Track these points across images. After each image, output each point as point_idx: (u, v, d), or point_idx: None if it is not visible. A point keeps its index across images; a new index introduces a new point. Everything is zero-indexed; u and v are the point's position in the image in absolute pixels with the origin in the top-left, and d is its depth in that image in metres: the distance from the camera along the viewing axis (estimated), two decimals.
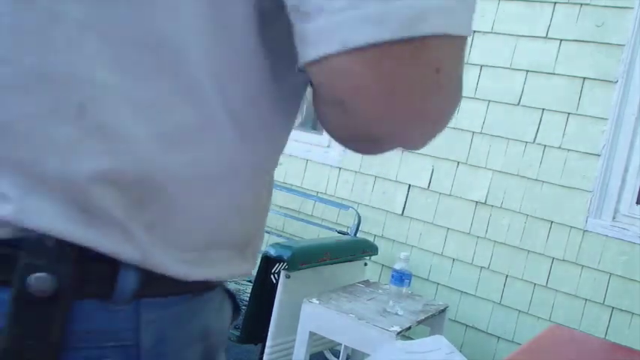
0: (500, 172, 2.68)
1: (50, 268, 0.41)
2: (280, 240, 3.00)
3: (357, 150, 0.53)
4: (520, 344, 2.52)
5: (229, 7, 0.44)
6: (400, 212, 2.94)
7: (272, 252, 2.16)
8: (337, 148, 3.16)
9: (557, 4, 2.57)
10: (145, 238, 0.44)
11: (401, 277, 2.38)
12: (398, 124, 0.45)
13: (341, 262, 2.47)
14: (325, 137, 3.24)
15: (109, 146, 0.42)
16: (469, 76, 2.76)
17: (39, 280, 0.41)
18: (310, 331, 2.10)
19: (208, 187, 0.46)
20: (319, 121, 0.51)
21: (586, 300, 2.46)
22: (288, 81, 0.50)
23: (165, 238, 0.45)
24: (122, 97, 0.42)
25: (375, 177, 3.03)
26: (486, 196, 2.71)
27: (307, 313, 2.11)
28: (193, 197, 0.45)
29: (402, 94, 0.42)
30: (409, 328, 2.07)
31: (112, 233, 0.43)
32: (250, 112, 0.47)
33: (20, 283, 0.41)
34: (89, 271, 0.43)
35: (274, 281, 2.22)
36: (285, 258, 2.13)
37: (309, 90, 0.51)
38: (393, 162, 2.96)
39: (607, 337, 2.38)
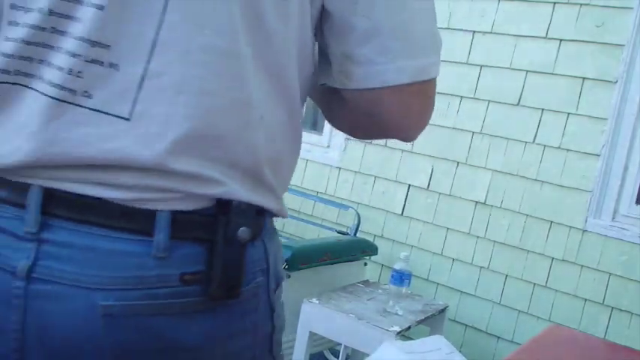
0: (500, 172, 2.68)
1: (248, 223, 0.64)
2: (280, 240, 3.00)
3: (363, 138, 0.95)
4: (520, 344, 2.52)
5: (306, 47, 0.69)
6: (400, 212, 2.94)
7: None
8: (337, 149, 3.16)
9: (557, 4, 2.57)
10: (279, 196, 0.71)
11: (401, 277, 2.38)
12: (407, 129, 0.76)
13: (341, 262, 2.47)
14: (325, 137, 3.24)
15: (270, 141, 0.66)
16: (469, 76, 2.76)
17: (244, 232, 0.64)
18: (310, 331, 2.10)
19: (290, 163, 0.74)
20: (336, 123, 0.85)
21: (585, 300, 2.46)
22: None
23: (281, 194, 0.72)
24: (267, 110, 0.66)
25: (375, 177, 3.03)
26: (486, 196, 2.71)
27: (307, 313, 2.11)
28: (285, 169, 0.72)
29: (412, 113, 0.73)
30: (409, 328, 2.08)
31: (270, 195, 0.68)
32: (300, 116, 0.73)
33: (232, 234, 0.63)
34: (258, 222, 0.67)
35: None
36: (286, 258, 2.13)
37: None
38: (393, 162, 2.96)
39: (607, 337, 2.38)
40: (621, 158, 2.44)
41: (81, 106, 0.59)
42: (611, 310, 2.41)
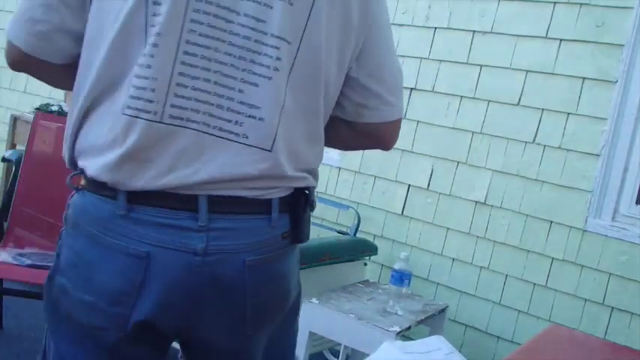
0: (500, 172, 2.68)
1: (312, 200, 1.09)
2: None
3: (347, 150, 1.54)
4: (520, 344, 2.52)
5: (332, 91, 1.07)
6: (400, 212, 2.94)
7: None
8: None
9: (557, 4, 2.57)
10: (315, 177, 1.10)
11: (401, 277, 2.38)
12: (391, 145, 1.21)
13: (341, 262, 2.47)
14: None
15: (318, 154, 1.10)
16: (469, 76, 2.76)
17: (312, 204, 1.10)
18: (310, 331, 2.10)
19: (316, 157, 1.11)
20: (339, 143, 1.24)
21: (586, 300, 2.46)
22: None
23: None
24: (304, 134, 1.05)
25: (375, 177, 3.03)
26: (486, 196, 2.71)
27: (307, 313, 2.10)
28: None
29: (397, 134, 1.18)
30: (409, 328, 2.08)
31: (308, 178, 1.07)
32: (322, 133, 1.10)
33: (305, 207, 1.08)
34: (313, 198, 1.11)
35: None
36: None
37: None
38: (393, 162, 2.96)
39: (607, 337, 2.38)
40: (621, 158, 2.44)
41: (242, 143, 0.96)
42: (611, 310, 2.41)
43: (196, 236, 0.95)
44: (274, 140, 0.98)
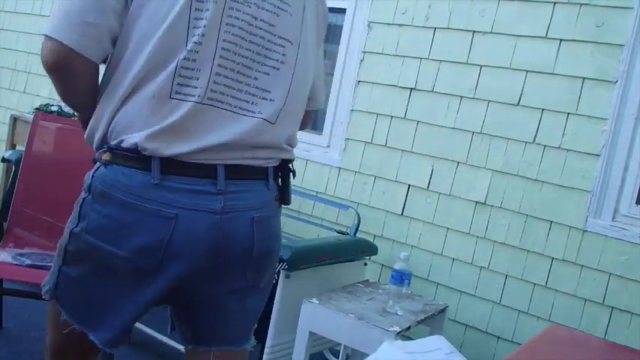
0: (500, 172, 2.68)
1: (294, 170, 1.40)
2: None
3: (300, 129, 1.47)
4: (520, 344, 2.52)
5: (304, 89, 1.38)
6: (400, 212, 2.94)
7: None
8: (337, 149, 3.16)
9: (556, 4, 2.57)
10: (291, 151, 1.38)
11: (401, 277, 2.38)
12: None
13: (341, 262, 2.47)
14: (325, 137, 3.24)
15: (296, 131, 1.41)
16: (469, 76, 2.77)
17: (294, 172, 1.40)
18: (310, 331, 2.10)
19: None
20: (305, 125, 1.50)
21: (586, 300, 2.46)
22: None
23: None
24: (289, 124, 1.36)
25: (375, 177, 3.03)
26: (486, 196, 2.71)
27: (307, 313, 2.11)
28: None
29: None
30: (409, 328, 2.07)
31: (292, 151, 1.37)
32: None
33: (288, 174, 1.38)
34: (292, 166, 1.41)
35: (274, 281, 2.22)
36: (285, 258, 2.13)
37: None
38: (393, 162, 2.96)
39: (607, 337, 2.38)
40: (621, 158, 2.44)
41: (255, 117, 1.25)
42: (611, 310, 2.41)
43: (215, 199, 1.20)
44: (277, 117, 1.27)
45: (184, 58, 1.14)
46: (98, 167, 1.21)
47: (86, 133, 1.27)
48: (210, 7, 1.15)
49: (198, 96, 1.16)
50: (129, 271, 1.19)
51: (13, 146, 3.78)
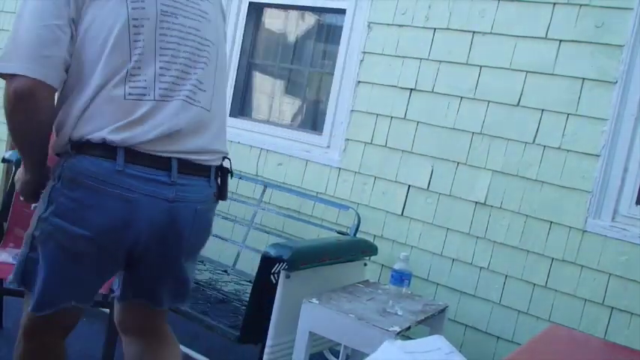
0: (499, 172, 2.69)
1: (230, 170, 1.66)
2: (280, 240, 3.00)
3: None
4: (519, 344, 2.52)
5: (224, 79, 1.71)
6: (400, 212, 2.94)
7: (272, 252, 2.16)
8: (337, 149, 3.17)
9: (556, 5, 2.57)
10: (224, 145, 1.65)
11: (401, 277, 2.38)
12: None
13: (341, 263, 2.47)
14: (325, 138, 3.24)
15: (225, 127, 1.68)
16: (469, 77, 2.77)
17: (232, 173, 1.68)
18: (310, 331, 2.10)
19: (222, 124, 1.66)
20: None
21: (585, 300, 2.46)
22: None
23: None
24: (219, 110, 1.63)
25: (375, 177, 3.03)
26: (486, 196, 2.71)
27: (307, 313, 2.11)
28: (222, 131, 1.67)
29: None
30: (409, 328, 2.07)
31: (224, 143, 1.63)
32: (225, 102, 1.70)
33: (227, 173, 1.65)
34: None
35: (274, 281, 2.22)
36: (285, 258, 2.13)
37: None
38: (393, 162, 2.96)
39: (606, 337, 2.38)
40: (621, 158, 2.44)
41: (197, 106, 1.51)
42: (611, 310, 2.41)
43: (169, 189, 1.44)
44: (211, 104, 1.55)
45: (132, 67, 1.40)
46: (67, 159, 1.41)
47: (55, 144, 1.46)
48: (145, 23, 1.41)
49: (149, 95, 1.41)
50: (93, 251, 1.41)
51: (13, 147, 3.78)
